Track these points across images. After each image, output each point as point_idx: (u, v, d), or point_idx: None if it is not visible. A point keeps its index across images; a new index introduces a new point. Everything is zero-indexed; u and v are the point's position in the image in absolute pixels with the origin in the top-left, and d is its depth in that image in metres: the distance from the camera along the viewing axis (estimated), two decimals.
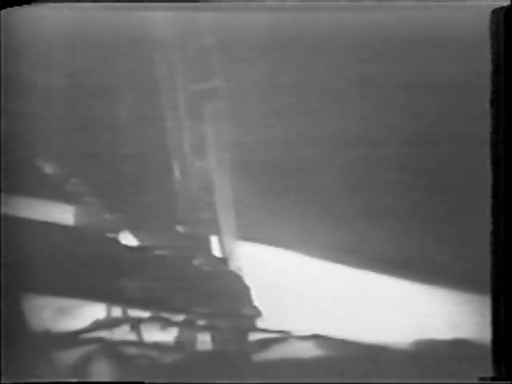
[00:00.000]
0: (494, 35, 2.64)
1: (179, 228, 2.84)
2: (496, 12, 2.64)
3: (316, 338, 2.79)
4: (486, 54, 2.67)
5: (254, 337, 2.80)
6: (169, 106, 2.82)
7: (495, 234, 2.65)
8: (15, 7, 2.72)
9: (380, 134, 2.79)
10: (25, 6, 2.72)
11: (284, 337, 2.80)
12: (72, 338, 2.80)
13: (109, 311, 2.82)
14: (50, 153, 2.81)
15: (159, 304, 2.81)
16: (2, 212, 2.77)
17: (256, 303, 2.81)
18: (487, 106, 2.67)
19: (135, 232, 2.86)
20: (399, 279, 2.80)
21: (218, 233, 2.84)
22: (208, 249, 2.85)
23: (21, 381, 2.73)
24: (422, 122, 2.79)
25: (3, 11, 2.71)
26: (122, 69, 2.79)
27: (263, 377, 2.77)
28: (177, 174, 2.82)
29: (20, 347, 2.76)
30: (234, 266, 2.84)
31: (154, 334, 2.81)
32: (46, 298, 2.79)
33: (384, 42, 2.76)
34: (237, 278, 2.83)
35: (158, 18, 2.79)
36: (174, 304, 2.80)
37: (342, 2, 2.81)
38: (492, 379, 2.62)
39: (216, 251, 2.85)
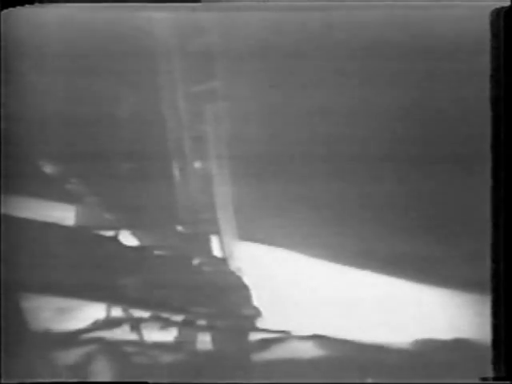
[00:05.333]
0: (494, 35, 2.64)
1: (179, 228, 2.84)
2: (496, 12, 2.64)
3: (316, 338, 2.79)
4: (486, 54, 2.67)
5: (254, 337, 2.80)
6: (169, 107, 2.82)
7: (495, 234, 2.65)
8: (17, 7, 2.72)
9: (379, 133, 2.79)
10: (26, 6, 2.72)
11: (284, 337, 2.80)
12: (72, 338, 2.80)
13: (109, 311, 2.82)
14: (50, 153, 2.81)
15: (159, 304, 2.81)
16: (2, 212, 2.77)
17: (256, 303, 2.82)
18: (487, 105, 2.67)
19: (135, 232, 2.86)
20: (399, 279, 2.80)
21: (217, 233, 2.84)
22: (208, 249, 2.85)
23: (21, 381, 2.73)
24: (421, 122, 2.79)
25: (4, 11, 2.71)
26: (121, 69, 2.79)
27: (263, 377, 2.77)
28: (177, 173, 2.83)
29: (20, 347, 2.76)
30: (233, 265, 2.84)
31: (154, 334, 2.81)
32: (46, 298, 2.79)
33: (383, 42, 2.76)
34: (237, 278, 2.83)
35: (159, 18, 2.79)
36: (174, 304, 2.80)
37: (341, 2, 2.81)
38: (492, 379, 2.62)
39: (216, 251, 2.86)
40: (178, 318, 2.82)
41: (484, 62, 2.67)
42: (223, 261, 2.85)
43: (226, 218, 2.83)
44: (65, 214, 2.84)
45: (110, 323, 2.81)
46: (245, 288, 2.82)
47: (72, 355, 2.79)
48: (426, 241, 2.77)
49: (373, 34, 2.77)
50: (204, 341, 2.81)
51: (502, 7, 2.63)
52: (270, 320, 2.81)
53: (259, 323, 2.81)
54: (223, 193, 2.83)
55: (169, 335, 2.81)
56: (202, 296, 2.80)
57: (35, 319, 2.79)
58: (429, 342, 2.76)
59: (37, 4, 2.72)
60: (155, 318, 2.81)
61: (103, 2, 2.76)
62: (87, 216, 2.85)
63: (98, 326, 2.81)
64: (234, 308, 2.81)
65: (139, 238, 2.86)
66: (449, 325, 2.77)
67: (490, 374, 2.63)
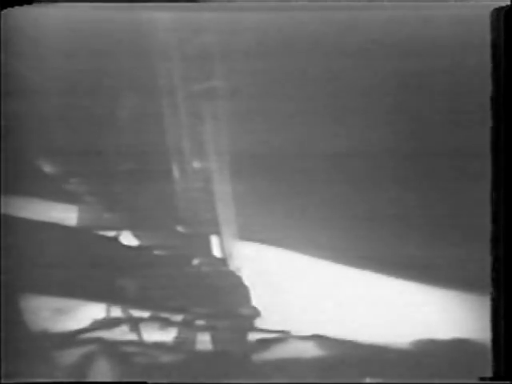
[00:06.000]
0: (494, 35, 2.64)
1: (179, 228, 2.84)
2: (496, 12, 2.63)
3: (316, 337, 2.79)
4: (486, 54, 2.67)
5: (253, 337, 2.80)
6: (169, 106, 2.82)
7: (495, 233, 2.65)
8: (16, 7, 2.72)
9: (381, 134, 2.79)
10: (26, 6, 2.72)
11: (284, 337, 2.79)
12: (71, 338, 2.80)
13: (108, 311, 2.82)
14: (49, 152, 2.81)
15: (159, 304, 2.81)
16: (2, 212, 2.77)
17: (256, 303, 2.81)
18: (487, 105, 2.67)
19: (135, 232, 2.86)
20: (399, 279, 2.80)
21: (217, 233, 2.84)
22: (208, 249, 2.85)
23: (21, 381, 2.73)
24: (421, 123, 2.78)
25: (4, 11, 2.71)
26: (121, 68, 2.79)
27: (263, 377, 2.76)
28: (177, 173, 2.82)
29: (20, 347, 2.76)
30: (233, 265, 2.84)
31: (154, 334, 2.81)
32: (46, 298, 2.79)
33: (383, 42, 2.75)
34: (237, 278, 2.83)
35: (158, 18, 2.79)
36: (174, 304, 2.80)
37: (341, 2, 2.81)
38: (492, 379, 2.61)
39: (216, 251, 2.85)
40: (178, 318, 2.81)
41: (484, 62, 2.67)
42: (223, 261, 2.85)
43: (225, 218, 2.83)
44: (65, 214, 2.83)
45: (109, 323, 2.81)
46: (244, 288, 2.82)
47: (71, 355, 2.79)
48: (426, 241, 2.77)
49: (372, 34, 2.77)
50: (204, 341, 2.80)
51: (502, 7, 2.63)
52: (270, 320, 2.80)
53: (259, 323, 2.81)
54: (223, 193, 2.83)
55: (168, 335, 2.81)
56: (201, 296, 2.80)
57: (35, 319, 2.79)
58: (429, 342, 2.75)
59: (36, 4, 2.72)
60: (155, 318, 2.81)
61: (103, 2, 2.77)
62: (87, 216, 2.85)
63: (97, 325, 2.80)
64: (234, 308, 2.81)
65: (139, 238, 2.86)
66: (449, 325, 2.76)
67: (489, 373, 2.63)
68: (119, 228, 2.85)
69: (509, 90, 2.64)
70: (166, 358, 2.79)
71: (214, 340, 2.80)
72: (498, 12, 2.64)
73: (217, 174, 2.83)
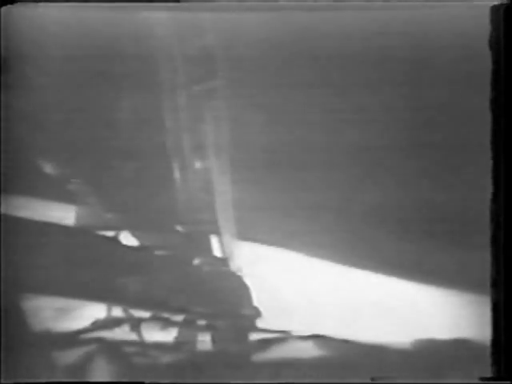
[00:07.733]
0: (494, 32, 2.64)
1: (179, 228, 2.84)
2: (495, 9, 2.64)
3: (316, 337, 2.79)
4: (486, 52, 2.67)
5: (253, 337, 2.80)
6: (169, 107, 2.82)
7: (495, 234, 2.65)
8: (16, 4, 2.72)
9: (381, 134, 2.79)
10: (25, 3, 2.72)
11: (284, 337, 2.80)
12: (72, 338, 2.80)
13: (109, 311, 2.82)
14: (50, 153, 2.81)
15: (159, 304, 2.81)
16: (2, 212, 2.77)
17: (256, 303, 2.81)
18: (487, 104, 2.67)
19: (135, 232, 2.85)
20: (399, 280, 2.80)
21: (218, 233, 2.84)
22: (208, 249, 2.85)
23: (21, 381, 2.73)
24: (421, 122, 2.78)
25: (3, 8, 2.71)
26: (122, 69, 2.79)
27: (263, 377, 2.77)
28: (177, 173, 2.83)
29: (20, 347, 2.76)
30: (233, 266, 2.84)
31: (154, 334, 2.81)
32: (46, 298, 2.79)
33: (383, 41, 2.76)
34: (237, 278, 2.83)
35: (159, 18, 2.79)
36: (174, 304, 2.80)
37: (341, 3, 2.81)
38: (492, 379, 2.62)
39: (216, 251, 2.85)
40: (178, 318, 2.82)
41: (484, 60, 2.67)
42: (223, 261, 2.85)
43: (225, 217, 2.83)
44: (65, 214, 2.83)
45: (110, 323, 2.81)
46: (245, 288, 2.82)
47: (72, 355, 2.79)
48: (426, 241, 2.77)
49: (372, 33, 2.77)
50: (204, 341, 2.80)
51: (502, 4, 2.63)
52: (270, 320, 2.81)
53: (259, 323, 2.81)
54: (223, 193, 2.83)
55: (169, 335, 2.81)
56: (202, 296, 2.80)
57: (35, 319, 2.79)
58: (429, 342, 2.76)
59: (26, 4, 2.71)
60: (155, 318, 2.81)
61: (102, 2, 2.76)
62: (87, 216, 2.85)
63: (98, 325, 2.80)
64: (234, 308, 2.81)
65: (139, 238, 2.86)
66: (449, 325, 2.77)
67: (489, 373, 2.63)
68: (119, 228, 2.85)
69: (509, 90, 2.64)
70: (166, 358, 2.79)
71: (214, 340, 2.80)
72: (497, 9, 2.64)
73: (217, 174, 2.83)
